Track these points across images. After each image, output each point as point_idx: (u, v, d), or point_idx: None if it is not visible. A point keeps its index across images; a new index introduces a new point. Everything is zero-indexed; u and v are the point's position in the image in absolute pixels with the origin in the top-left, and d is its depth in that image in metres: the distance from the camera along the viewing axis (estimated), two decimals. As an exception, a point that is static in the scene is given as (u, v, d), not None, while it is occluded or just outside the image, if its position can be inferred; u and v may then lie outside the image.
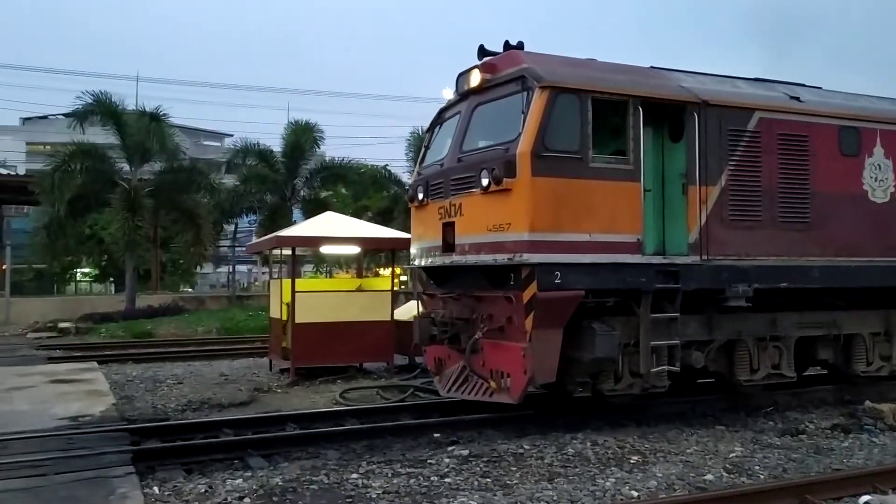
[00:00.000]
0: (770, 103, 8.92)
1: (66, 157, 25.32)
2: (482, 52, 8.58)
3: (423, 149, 9.73)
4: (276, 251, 14.67)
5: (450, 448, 7.45)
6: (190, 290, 39.89)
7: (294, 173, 29.83)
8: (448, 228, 8.37)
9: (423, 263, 9.13)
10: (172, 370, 13.52)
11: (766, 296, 8.64)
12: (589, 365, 7.85)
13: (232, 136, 54.08)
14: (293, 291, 12.16)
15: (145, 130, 25.91)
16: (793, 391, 10.04)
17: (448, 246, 8.36)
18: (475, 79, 8.47)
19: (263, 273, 40.65)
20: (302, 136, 29.34)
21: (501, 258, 7.59)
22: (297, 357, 12.00)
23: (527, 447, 7.43)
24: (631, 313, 8.04)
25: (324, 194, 30.87)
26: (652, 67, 9.01)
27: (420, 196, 8.98)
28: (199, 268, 39.05)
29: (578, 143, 7.69)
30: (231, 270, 38.24)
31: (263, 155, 29.74)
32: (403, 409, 9.41)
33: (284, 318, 12.56)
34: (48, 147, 40.91)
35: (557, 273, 7.48)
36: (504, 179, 7.48)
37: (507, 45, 8.47)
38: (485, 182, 7.67)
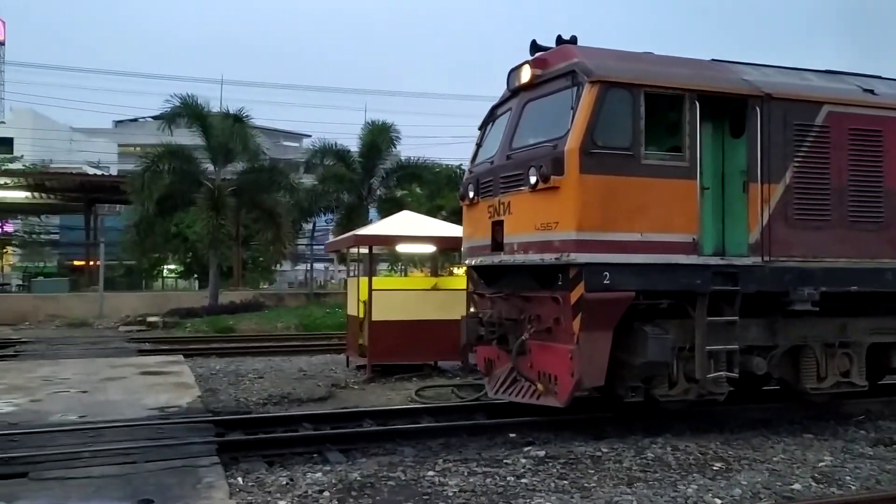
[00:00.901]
0: (840, 96, 8.46)
1: (155, 158, 26.43)
2: (534, 47, 8.43)
3: (475, 146, 9.68)
4: (354, 249, 14.90)
5: (526, 448, 7.41)
6: (269, 286, 40.95)
7: (370, 173, 30.30)
8: (497, 227, 8.28)
9: (473, 262, 9.10)
10: (253, 365, 13.90)
11: (834, 300, 8.24)
12: (640, 369, 7.65)
13: (310, 136, 55.39)
14: (370, 289, 12.32)
15: (229, 132, 26.77)
16: (885, 399, 9.57)
17: (497, 245, 8.27)
18: (525, 74, 8.32)
19: (340, 271, 41.44)
20: (378, 137, 29.76)
21: (549, 258, 7.46)
22: (373, 354, 12.17)
23: (605, 450, 7.32)
24: (686, 316, 7.78)
25: (399, 193, 31.24)
26: (713, 60, 8.71)
27: (471, 194, 8.91)
28: (278, 265, 40.07)
29: (630, 139, 7.49)
30: (309, 268, 39.05)
31: (341, 155, 30.31)
32: (478, 408, 9.40)
33: (361, 315, 12.74)
34: (138, 148, 42.71)
35: (606, 273, 7.30)
36: (552, 177, 7.34)
37: (559, 40, 8.29)
38: (533, 180, 7.54)
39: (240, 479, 6.30)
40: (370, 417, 8.73)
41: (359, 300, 12.91)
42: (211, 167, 27.48)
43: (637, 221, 7.44)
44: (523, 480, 6.35)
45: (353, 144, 31.05)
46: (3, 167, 37.59)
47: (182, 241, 34.52)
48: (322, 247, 33.29)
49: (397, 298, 12.54)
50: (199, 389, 10.50)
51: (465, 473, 6.53)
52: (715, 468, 6.81)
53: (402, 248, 16.10)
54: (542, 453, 7.16)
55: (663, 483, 6.32)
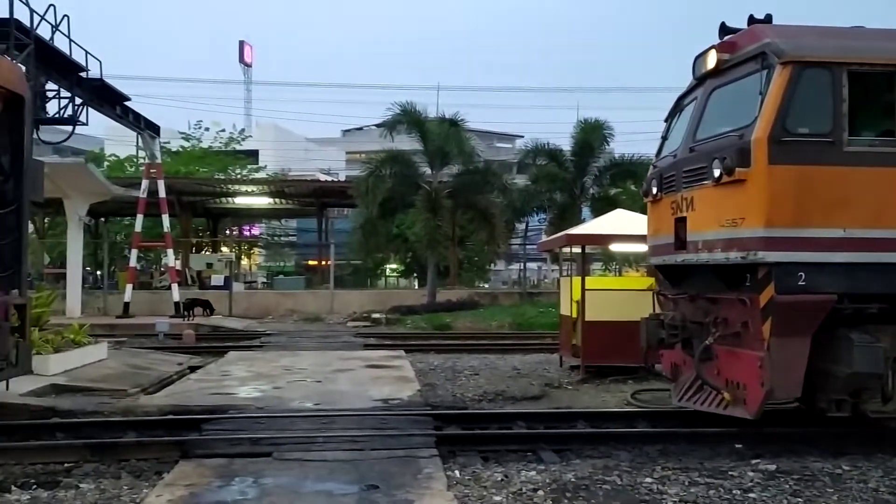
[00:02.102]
0: None
1: (378, 164, 28.16)
2: (723, 29, 7.79)
3: (660, 139, 9.12)
4: (566, 249, 14.81)
5: (754, 461, 6.91)
6: (484, 285, 41.94)
7: (583, 171, 30.01)
8: (680, 224, 7.75)
9: (656, 261, 8.62)
10: (469, 361, 14.28)
11: None
12: (846, 381, 6.82)
13: (523, 137, 56.01)
14: (583, 289, 12.17)
15: (445, 136, 27.81)
16: None
17: (680, 243, 7.75)
18: (711, 60, 7.71)
19: (553, 270, 41.44)
20: (591, 134, 29.39)
21: (734, 256, 6.86)
22: (587, 355, 12.00)
23: (846, 468, 6.64)
24: None
25: (613, 191, 30.61)
26: None
27: (654, 190, 8.44)
28: (492, 265, 40.93)
29: (830, 124, 6.71)
30: (522, 267, 39.46)
31: (553, 154, 30.32)
32: (699, 414, 8.90)
33: (574, 315, 12.62)
34: (363, 155, 45.71)
35: (801, 274, 6.61)
36: (737, 169, 6.74)
37: (751, 20, 7.59)
38: (716, 173, 6.96)
39: (457, 472, 6.48)
40: (584, 419, 8.61)
41: (572, 300, 12.80)
42: (428, 170, 28.71)
43: (839, 216, 6.69)
44: (751, 495, 5.93)
45: (565, 143, 30.98)
46: (251, 177, 41.98)
47: (402, 241, 36.39)
48: (535, 246, 33.53)
49: (611, 298, 12.25)
50: (418, 384, 10.97)
51: (686, 483, 6.23)
52: None
53: (615, 247, 15.74)
54: (772, 467, 6.64)
55: (919, 510, 5.61)
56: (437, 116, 29.74)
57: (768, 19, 7.63)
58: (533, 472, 6.47)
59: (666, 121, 9.09)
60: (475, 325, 23.28)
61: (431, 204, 27.20)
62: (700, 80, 8.10)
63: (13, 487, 6.00)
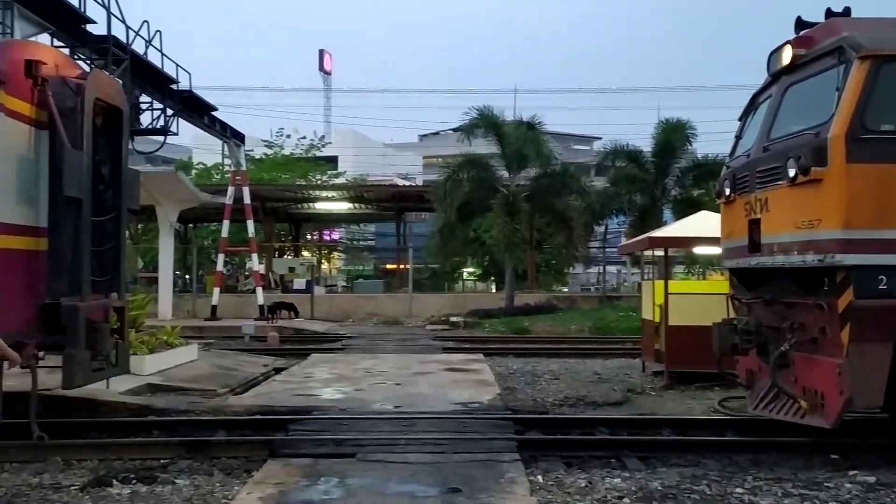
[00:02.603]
0: None
1: (456, 168, 28.29)
2: (799, 24, 7.46)
3: (734, 139, 8.78)
4: (648, 252, 14.53)
5: (850, 472, 6.61)
6: (563, 289, 41.53)
7: (664, 173, 29.38)
8: (754, 226, 7.46)
9: (730, 265, 8.32)
10: (549, 366, 14.17)
11: None
12: None
13: (601, 139, 55.30)
14: (666, 293, 11.92)
15: (522, 139, 27.71)
16: None
17: (754, 245, 7.46)
18: (787, 56, 7.39)
19: (632, 274, 40.72)
20: (672, 135, 28.75)
21: (811, 259, 6.56)
22: (670, 360, 11.74)
23: (953, 482, 6.28)
24: None
25: (696, 193, 29.80)
26: None
27: (727, 191, 8.14)
28: (570, 268, 40.51)
29: None
30: (601, 271, 38.92)
31: (633, 156, 29.79)
32: (791, 423, 8.59)
33: (657, 319, 12.37)
34: (440, 159, 46.03)
35: (882, 277, 6.30)
36: (812, 168, 6.45)
37: (828, 13, 7.26)
38: (791, 172, 6.66)
39: (539, 477, 6.44)
40: (669, 426, 8.42)
41: (654, 304, 12.55)
42: (506, 174, 28.65)
43: None
44: (849, 508, 5.68)
45: (645, 145, 30.41)
46: (331, 182, 42.85)
47: (480, 245, 36.44)
48: (614, 249, 33.03)
49: (696, 302, 11.91)
50: (498, 387, 10.96)
51: (779, 494, 6.01)
52: None
53: (699, 250, 15.35)
54: (871, 479, 6.35)
55: None
56: (515, 119, 29.66)
57: (846, 12, 7.33)
58: (618, 480, 6.37)
59: (740, 119, 8.82)
60: (554, 328, 23.07)
61: (509, 207, 27.12)
62: (775, 76, 7.83)
63: (114, 482, 6.29)
